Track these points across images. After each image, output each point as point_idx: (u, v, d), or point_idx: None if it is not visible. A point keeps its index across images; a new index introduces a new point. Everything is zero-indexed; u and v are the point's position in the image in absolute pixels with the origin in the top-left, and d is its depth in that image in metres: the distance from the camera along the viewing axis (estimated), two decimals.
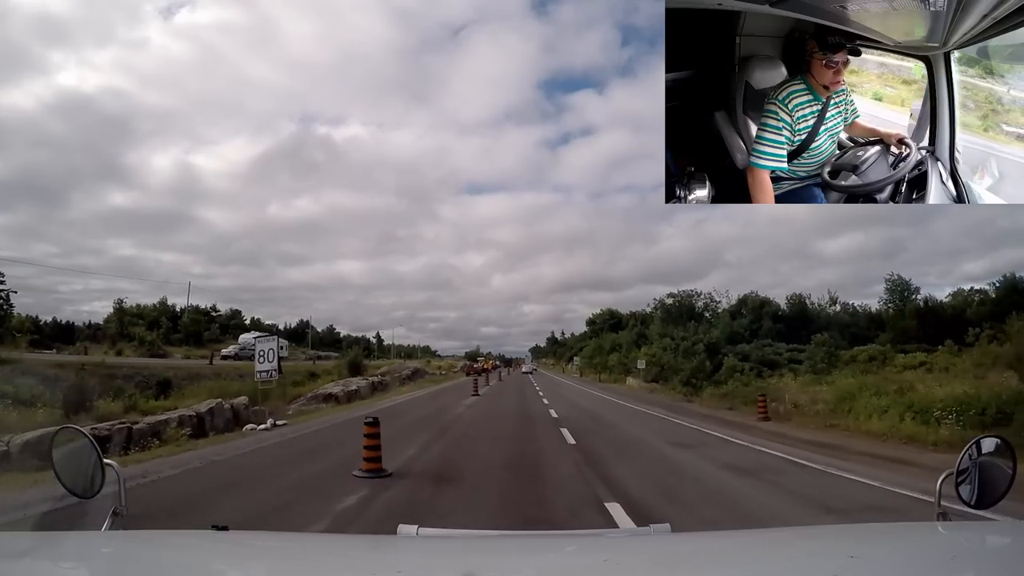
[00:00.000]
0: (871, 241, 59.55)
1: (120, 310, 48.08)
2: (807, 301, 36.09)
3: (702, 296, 39.07)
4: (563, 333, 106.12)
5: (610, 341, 52.18)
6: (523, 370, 70.23)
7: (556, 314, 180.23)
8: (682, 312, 37.97)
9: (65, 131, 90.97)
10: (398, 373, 40.88)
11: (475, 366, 63.12)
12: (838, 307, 36.35)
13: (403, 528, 1.39)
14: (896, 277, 34.56)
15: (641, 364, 30.59)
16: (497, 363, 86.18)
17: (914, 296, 33.65)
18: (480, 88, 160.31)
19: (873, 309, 35.20)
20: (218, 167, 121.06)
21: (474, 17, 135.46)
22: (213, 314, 58.75)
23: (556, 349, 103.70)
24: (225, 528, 1.41)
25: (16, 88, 76.59)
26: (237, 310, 64.41)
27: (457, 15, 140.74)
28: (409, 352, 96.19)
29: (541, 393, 27.08)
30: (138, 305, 50.31)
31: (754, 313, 34.57)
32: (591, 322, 70.95)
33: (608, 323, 63.75)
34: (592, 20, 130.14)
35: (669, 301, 39.75)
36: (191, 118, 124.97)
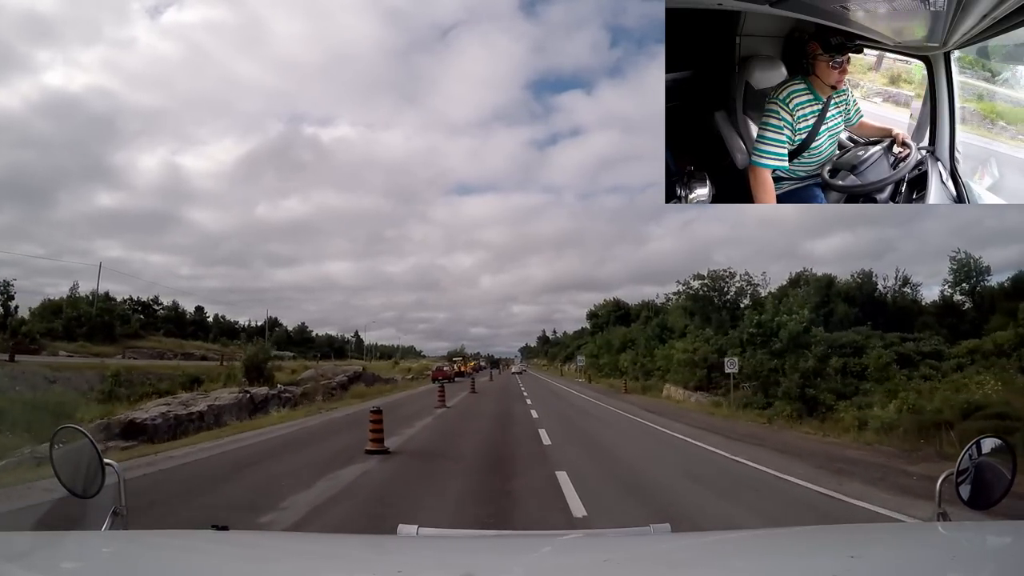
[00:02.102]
0: (860, 241, 58.78)
1: (5, 294, 38.77)
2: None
3: (736, 278, 31.00)
4: (554, 332, 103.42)
5: (620, 337, 42.86)
6: (512, 371, 69.69)
7: (545, 315, 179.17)
8: (711, 299, 30.57)
9: (52, 131, 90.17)
10: (328, 379, 29.62)
11: (445, 369, 45.24)
12: (908, 289, 29.72)
13: (403, 528, 1.40)
14: (963, 255, 28.10)
15: (733, 366, 20.00)
16: (482, 364, 78.94)
17: (985, 278, 27.60)
18: (469, 88, 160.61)
19: (919, 294, 29.27)
20: (206, 167, 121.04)
21: (464, 17, 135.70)
22: (155, 306, 53.04)
23: (548, 349, 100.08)
24: (225, 528, 1.41)
25: (2, 87, 76.03)
26: (199, 306, 61.88)
27: (447, 15, 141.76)
28: (389, 352, 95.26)
29: (548, 439, 11.17)
30: (69, 296, 43.21)
31: (819, 295, 27.42)
32: (592, 315, 61.74)
33: (614, 315, 55.03)
34: (581, 21, 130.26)
35: (696, 284, 31.25)
36: (179, 118, 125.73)
